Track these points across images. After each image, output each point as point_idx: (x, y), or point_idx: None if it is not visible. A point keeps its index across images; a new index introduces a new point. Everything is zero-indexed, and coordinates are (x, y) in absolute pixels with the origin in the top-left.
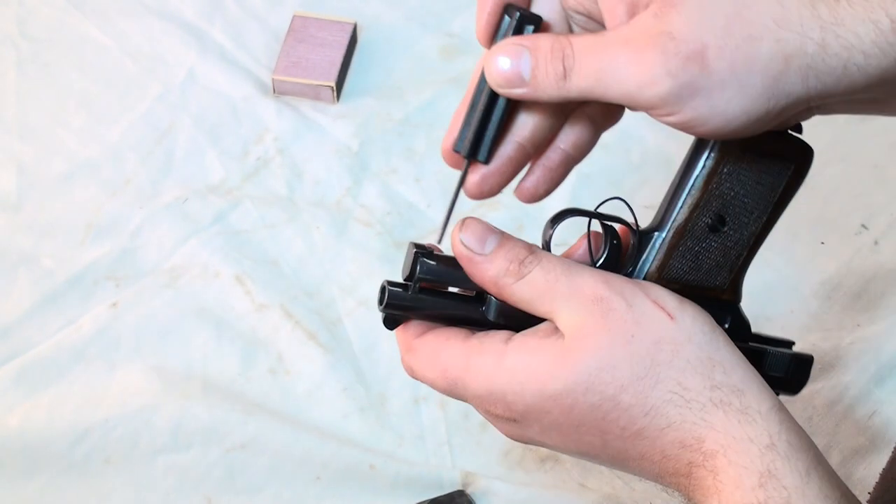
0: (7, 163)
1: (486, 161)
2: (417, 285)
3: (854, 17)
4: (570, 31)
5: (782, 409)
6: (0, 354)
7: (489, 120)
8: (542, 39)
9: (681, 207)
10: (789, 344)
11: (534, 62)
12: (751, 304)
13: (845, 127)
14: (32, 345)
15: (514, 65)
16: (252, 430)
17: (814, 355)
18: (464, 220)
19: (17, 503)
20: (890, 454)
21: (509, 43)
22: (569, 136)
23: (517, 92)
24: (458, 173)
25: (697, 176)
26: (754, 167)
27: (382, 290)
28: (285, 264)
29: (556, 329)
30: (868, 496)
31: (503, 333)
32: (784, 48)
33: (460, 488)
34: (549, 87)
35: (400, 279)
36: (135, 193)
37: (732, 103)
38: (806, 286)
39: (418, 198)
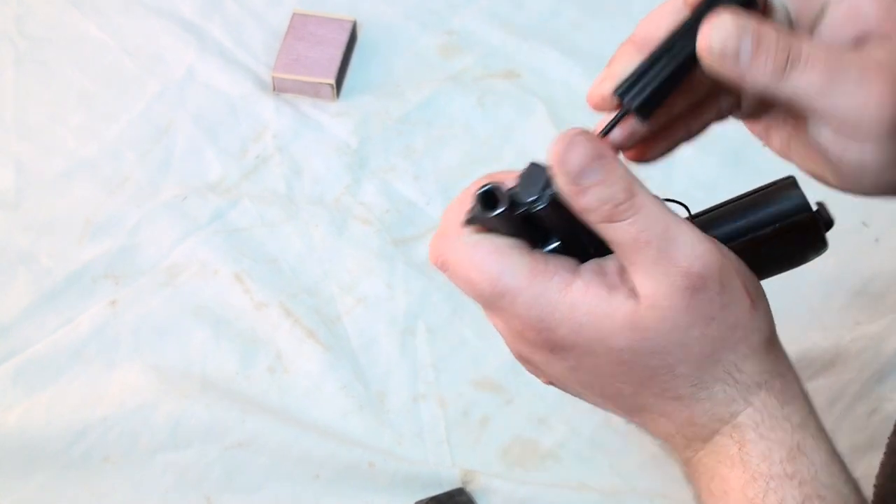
0: (5, 161)
1: (647, 119)
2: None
3: None
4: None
5: (808, 395)
6: None
7: (673, 81)
8: (768, 27)
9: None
10: None
11: (755, 46)
12: None
13: None
14: (31, 343)
15: (734, 43)
16: (251, 429)
17: (814, 353)
18: (574, 137)
19: (15, 502)
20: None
21: (735, 16)
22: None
23: (724, 70)
24: (459, 180)
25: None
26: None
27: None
28: (284, 262)
29: (626, 279)
30: (873, 488)
31: (569, 259)
32: None
33: (460, 486)
34: (762, 76)
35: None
36: (133, 191)
37: None
38: (806, 284)
39: (417, 195)
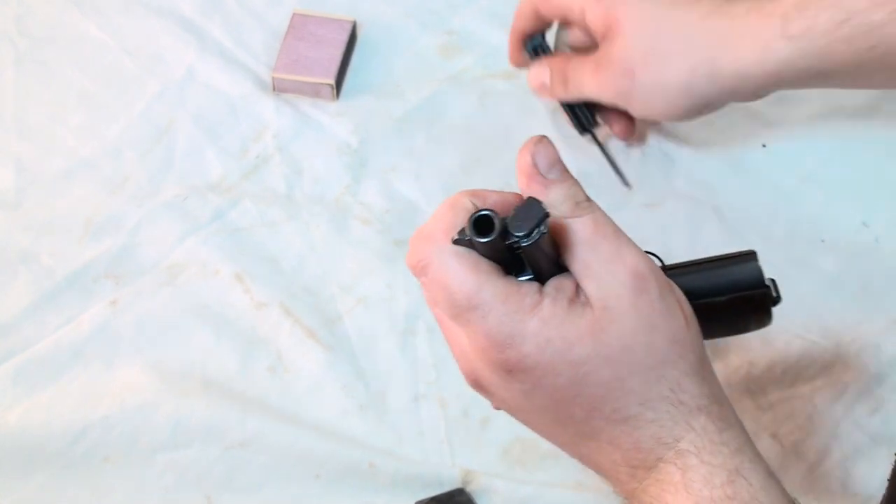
0: (5, 160)
1: (593, 126)
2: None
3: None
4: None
5: (743, 425)
6: None
7: (573, 108)
8: (555, 61)
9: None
10: None
11: (550, 76)
12: None
13: (846, 123)
14: (31, 343)
15: (542, 79)
16: (251, 428)
17: (815, 353)
18: (542, 138)
19: (15, 502)
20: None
21: (541, 64)
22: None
23: (545, 94)
24: (459, 180)
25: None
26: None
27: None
28: (285, 262)
29: (580, 291)
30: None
31: (534, 283)
32: (690, 62)
33: (460, 486)
34: (559, 91)
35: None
36: (134, 191)
37: (659, 99)
38: (805, 284)
39: (418, 195)
